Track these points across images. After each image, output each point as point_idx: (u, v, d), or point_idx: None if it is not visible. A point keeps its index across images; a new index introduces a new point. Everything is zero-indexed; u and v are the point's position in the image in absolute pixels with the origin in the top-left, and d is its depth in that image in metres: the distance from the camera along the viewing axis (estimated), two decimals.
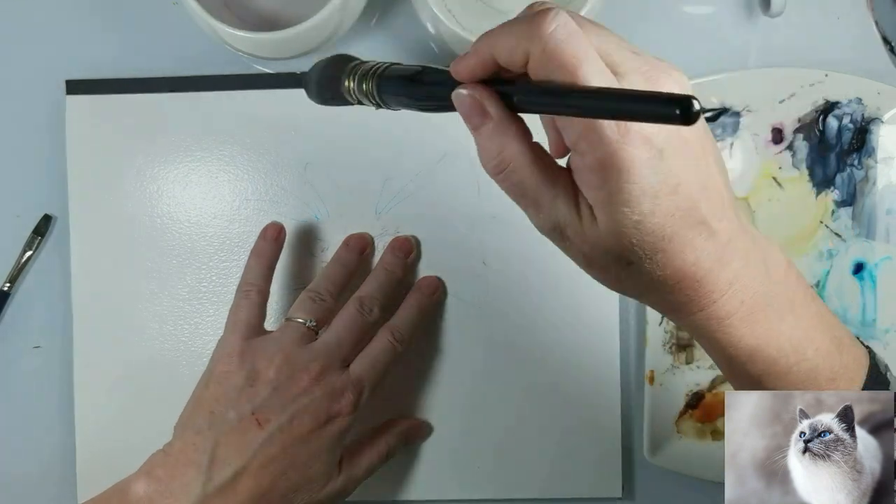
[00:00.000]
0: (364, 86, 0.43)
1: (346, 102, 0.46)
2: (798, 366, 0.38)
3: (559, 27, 0.33)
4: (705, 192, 0.35)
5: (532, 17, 0.34)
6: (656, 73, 0.35)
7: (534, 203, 0.38)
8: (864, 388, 0.39)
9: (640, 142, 0.34)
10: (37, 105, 0.61)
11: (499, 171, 0.38)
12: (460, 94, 0.37)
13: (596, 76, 0.33)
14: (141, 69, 0.61)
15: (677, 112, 0.29)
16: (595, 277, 0.39)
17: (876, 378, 0.40)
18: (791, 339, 0.38)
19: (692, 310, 0.37)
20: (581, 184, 0.36)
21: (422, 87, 0.41)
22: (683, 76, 0.36)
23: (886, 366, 0.41)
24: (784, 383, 0.39)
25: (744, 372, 0.39)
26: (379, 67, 0.43)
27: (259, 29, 0.55)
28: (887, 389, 0.40)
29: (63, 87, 0.60)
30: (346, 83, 0.44)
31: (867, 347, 0.41)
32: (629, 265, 0.36)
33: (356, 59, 0.45)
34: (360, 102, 0.45)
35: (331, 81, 0.45)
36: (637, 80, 0.34)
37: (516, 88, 0.36)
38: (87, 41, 0.61)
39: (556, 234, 0.38)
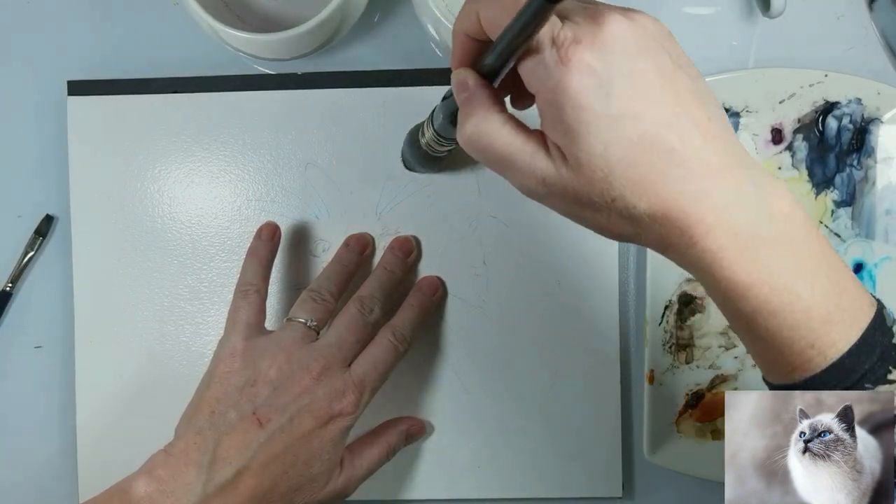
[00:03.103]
0: (428, 131, 0.52)
1: (436, 158, 0.55)
2: (791, 305, 0.38)
3: None
4: (676, 119, 0.36)
5: None
6: (599, 9, 0.37)
7: (512, 165, 0.39)
8: (864, 335, 0.38)
9: (583, 70, 0.36)
10: (38, 106, 0.61)
11: (474, 140, 0.40)
12: (453, 77, 0.41)
13: None
14: (142, 70, 0.61)
15: None
16: (592, 226, 0.40)
17: (880, 327, 0.39)
18: (786, 277, 0.38)
19: (685, 244, 0.37)
20: (546, 129, 0.38)
21: (448, 100, 0.47)
22: (633, 11, 0.37)
23: (895, 320, 0.40)
24: (776, 321, 0.38)
25: (737, 310, 0.39)
26: (433, 111, 0.50)
27: (260, 30, 0.55)
28: (891, 342, 0.39)
29: (64, 87, 0.61)
30: (422, 140, 0.53)
31: (877, 299, 0.40)
32: (613, 201, 0.37)
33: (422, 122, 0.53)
34: (438, 152, 0.53)
35: (417, 150, 0.55)
36: (580, 18, 0.37)
37: (481, 58, 0.40)
38: (88, 42, 0.62)
39: (540, 188, 0.39)
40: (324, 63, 0.61)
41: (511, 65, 0.38)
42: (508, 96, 0.43)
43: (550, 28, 0.36)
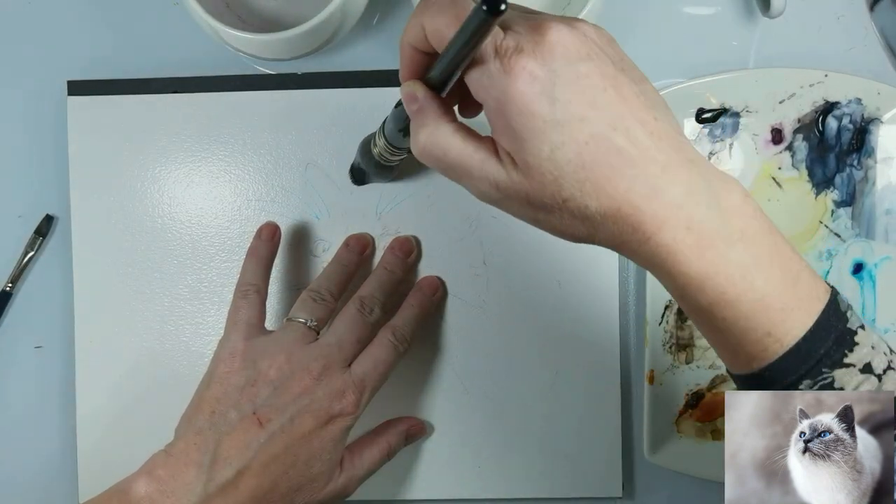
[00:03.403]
0: (380, 141, 0.52)
1: (386, 170, 0.56)
2: (746, 295, 0.39)
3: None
4: (621, 120, 0.37)
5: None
6: (540, 19, 0.38)
7: (466, 172, 0.40)
8: (818, 320, 0.39)
9: (526, 77, 0.37)
10: (38, 106, 0.61)
11: (427, 150, 0.41)
12: (402, 90, 0.42)
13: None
14: (142, 70, 0.61)
15: (484, 8, 0.34)
16: (547, 228, 0.41)
17: (834, 312, 0.40)
18: (740, 267, 0.38)
19: (638, 240, 0.38)
20: (496, 136, 0.39)
21: (398, 110, 0.48)
22: (574, 20, 0.39)
23: (850, 305, 0.41)
24: (733, 311, 0.39)
25: (695, 302, 0.39)
26: (384, 121, 0.51)
27: (260, 30, 0.55)
28: (845, 326, 0.39)
29: (65, 87, 0.61)
30: (374, 150, 0.54)
31: (831, 286, 0.41)
32: (565, 202, 0.38)
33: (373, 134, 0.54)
34: (390, 161, 0.54)
35: (370, 160, 0.55)
36: (522, 28, 0.38)
37: (429, 69, 0.41)
38: (88, 42, 0.62)
39: (494, 193, 0.40)
40: (324, 63, 0.61)
41: (458, 75, 0.39)
42: (457, 105, 0.44)
43: (493, 38, 0.37)
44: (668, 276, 0.39)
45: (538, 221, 0.41)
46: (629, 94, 0.38)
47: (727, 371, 0.43)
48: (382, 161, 0.54)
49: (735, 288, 0.39)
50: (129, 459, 0.50)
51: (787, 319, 0.39)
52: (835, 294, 0.41)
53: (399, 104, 0.48)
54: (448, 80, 0.40)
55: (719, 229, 0.38)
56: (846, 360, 0.39)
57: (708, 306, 0.39)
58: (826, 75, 0.58)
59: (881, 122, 0.59)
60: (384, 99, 0.59)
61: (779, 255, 0.40)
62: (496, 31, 0.38)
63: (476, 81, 0.39)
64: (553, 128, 0.37)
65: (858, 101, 0.59)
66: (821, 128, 0.59)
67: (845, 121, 0.59)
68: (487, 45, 0.37)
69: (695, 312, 0.40)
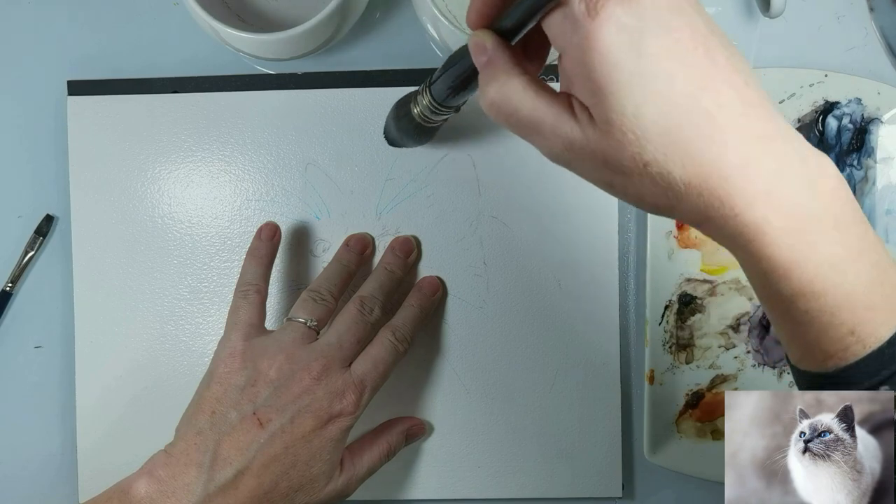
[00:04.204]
0: (424, 100, 0.49)
1: (430, 129, 0.52)
2: (836, 288, 0.36)
3: None
4: (712, 83, 0.34)
5: None
6: None
7: (537, 130, 0.38)
8: None
9: (613, 25, 0.34)
10: (38, 106, 0.61)
11: (498, 106, 0.38)
12: (469, 39, 0.39)
13: None
14: (142, 70, 0.61)
15: None
16: (622, 194, 0.37)
17: None
18: (832, 258, 0.35)
19: (725, 216, 0.35)
20: (573, 89, 0.36)
21: (455, 66, 0.44)
22: None
23: None
24: (817, 305, 0.36)
25: (777, 291, 0.36)
26: (428, 79, 0.48)
27: (260, 30, 0.55)
28: None
29: (65, 87, 0.61)
30: (415, 110, 0.50)
31: None
32: (646, 166, 0.35)
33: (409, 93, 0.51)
34: (432, 122, 0.51)
35: (408, 122, 0.51)
36: None
37: (501, 16, 0.39)
38: (88, 42, 0.62)
39: (567, 153, 0.37)
40: (324, 63, 0.61)
41: (535, 21, 0.37)
42: None
43: None
44: (753, 259, 0.36)
45: (613, 186, 0.37)
46: (720, 56, 0.35)
47: (791, 366, 0.40)
48: (424, 122, 0.51)
49: (823, 280, 0.35)
50: (129, 459, 0.50)
51: (874, 318, 0.36)
52: None
53: (454, 59, 0.44)
54: (523, 27, 0.37)
55: (813, 213, 0.35)
56: None
57: (791, 296, 0.36)
58: (826, 75, 0.58)
59: (881, 122, 0.59)
60: (384, 99, 0.59)
61: (869, 249, 0.37)
62: None
63: (556, 26, 0.36)
64: (639, 82, 0.34)
65: (858, 101, 0.59)
66: (821, 128, 0.59)
67: (845, 121, 0.59)
68: None
69: (774, 301, 0.37)
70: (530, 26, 0.37)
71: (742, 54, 0.36)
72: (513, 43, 0.39)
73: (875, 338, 0.36)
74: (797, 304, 0.36)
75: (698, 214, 0.36)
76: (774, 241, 0.35)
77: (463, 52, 0.43)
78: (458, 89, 0.46)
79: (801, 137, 0.36)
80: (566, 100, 0.37)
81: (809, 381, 0.39)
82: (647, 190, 0.36)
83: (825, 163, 0.36)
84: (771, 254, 0.35)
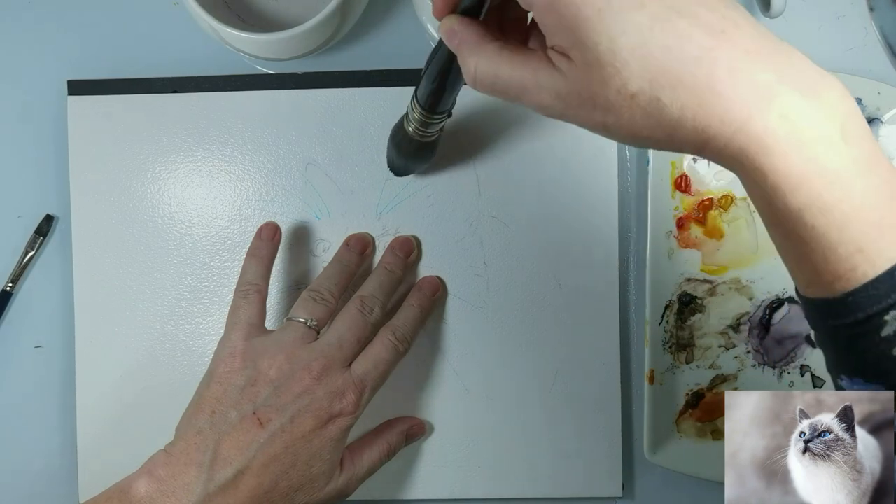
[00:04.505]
0: (414, 114, 0.50)
1: (429, 144, 0.53)
2: (843, 203, 0.34)
3: None
4: (685, 5, 0.34)
5: None
6: None
7: (522, 89, 0.38)
8: None
9: None
10: (39, 106, 0.61)
11: (480, 78, 0.39)
12: (440, 28, 0.41)
13: None
14: (142, 70, 0.61)
15: None
16: (619, 135, 0.37)
17: None
18: (840, 169, 0.34)
19: (726, 134, 0.34)
20: (549, 37, 0.36)
21: (431, 65, 0.46)
22: None
23: None
24: (826, 220, 0.34)
25: (784, 206, 0.35)
26: (413, 93, 0.49)
27: (260, 29, 0.55)
28: None
29: (65, 87, 0.61)
30: (409, 128, 0.51)
31: None
32: (633, 97, 0.34)
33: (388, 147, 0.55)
34: (429, 134, 0.51)
35: (408, 143, 0.52)
36: None
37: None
38: (88, 42, 0.62)
39: (556, 103, 0.37)
40: (324, 63, 0.61)
41: None
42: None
43: None
44: (758, 174, 0.35)
45: (608, 128, 0.36)
46: None
47: (797, 294, 0.38)
48: (419, 137, 0.52)
49: (831, 193, 0.34)
50: (129, 459, 0.50)
51: (883, 237, 0.34)
52: None
53: (426, 66, 0.46)
54: (480, 5, 0.39)
55: (819, 123, 0.34)
56: None
57: (798, 211, 0.35)
58: None
59: (881, 121, 0.59)
60: (384, 99, 0.60)
61: (878, 164, 0.35)
62: None
63: None
64: (609, 15, 0.34)
65: (859, 100, 0.58)
66: None
67: None
68: None
69: (781, 217, 0.36)
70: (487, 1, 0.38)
71: None
72: (481, 17, 0.40)
73: (885, 258, 0.35)
74: (805, 220, 0.35)
75: (697, 138, 0.35)
76: (779, 152, 0.34)
77: (435, 49, 0.45)
78: (441, 89, 0.47)
79: (799, 53, 0.35)
80: (542, 54, 0.37)
81: (817, 309, 0.38)
82: (641, 123, 0.35)
83: (827, 76, 0.35)
84: (775, 166, 0.34)
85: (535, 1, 0.36)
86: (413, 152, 0.54)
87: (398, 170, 0.58)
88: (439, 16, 0.41)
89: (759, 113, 0.34)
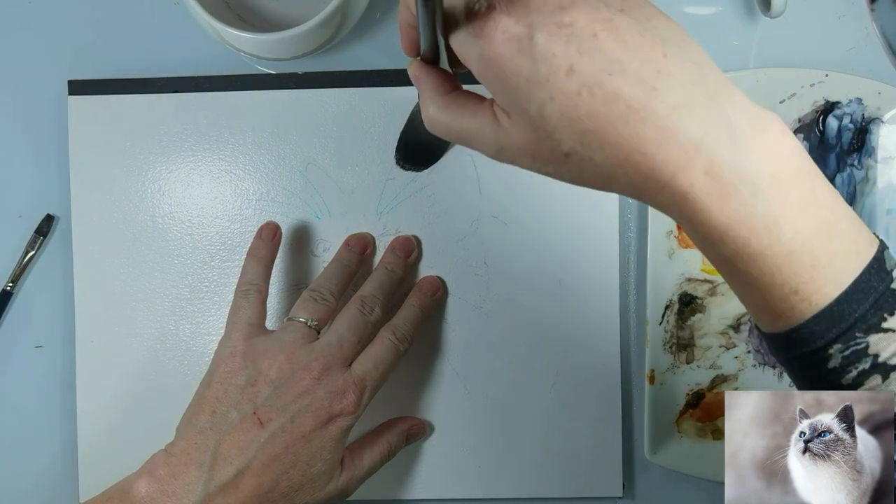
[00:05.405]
0: None
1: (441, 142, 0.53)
2: (771, 248, 0.35)
3: None
4: (618, 64, 0.34)
5: None
6: None
7: (469, 139, 0.40)
8: (856, 280, 0.36)
9: (499, 36, 0.35)
10: (39, 105, 0.61)
11: (431, 125, 0.41)
12: (409, 73, 0.42)
13: None
14: (143, 70, 0.61)
15: None
16: (565, 180, 0.38)
17: (876, 272, 0.36)
18: (766, 217, 0.35)
19: (654, 188, 0.35)
20: (490, 92, 0.38)
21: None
22: None
23: None
24: (757, 266, 0.36)
25: (717, 253, 0.36)
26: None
27: (260, 29, 0.55)
28: (888, 287, 0.36)
29: (65, 87, 0.61)
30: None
31: (880, 240, 0.37)
32: (567, 157, 0.36)
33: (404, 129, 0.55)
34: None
35: (418, 135, 0.54)
36: None
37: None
38: (89, 42, 0.62)
39: (500, 154, 0.39)
40: (324, 63, 0.61)
41: (441, 44, 0.39)
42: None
43: (464, 1, 0.36)
44: (688, 225, 0.36)
45: (551, 174, 0.38)
46: (629, 34, 0.35)
47: (755, 326, 0.40)
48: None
49: (759, 240, 0.35)
50: (129, 459, 0.50)
51: (818, 277, 0.36)
52: (882, 249, 0.37)
53: None
54: (434, 51, 0.39)
55: (744, 175, 0.35)
56: (885, 325, 0.36)
57: (729, 258, 0.36)
58: (826, 75, 0.58)
59: (882, 121, 0.59)
60: (384, 99, 0.60)
61: (814, 203, 0.36)
62: None
63: (457, 48, 0.38)
64: (537, 84, 0.35)
65: (859, 100, 0.58)
66: (821, 127, 0.59)
67: (846, 121, 0.59)
68: (459, 8, 0.36)
69: (717, 262, 0.37)
70: (442, 49, 0.39)
71: (672, 23, 0.36)
72: (440, 65, 0.41)
73: (821, 295, 0.36)
74: (737, 266, 0.36)
75: (631, 190, 0.36)
76: (704, 206, 0.35)
77: None
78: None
79: (737, 97, 0.36)
80: (489, 107, 0.39)
81: (771, 342, 0.39)
82: (578, 175, 0.37)
83: (765, 118, 0.36)
84: (702, 220, 0.35)
85: (469, 65, 0.38)
86: (433, 143, 0.54)
87: (413, 156, 0.57)
88: (407, 54, 0.43)
89: (683, 171, 0.35)
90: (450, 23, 0.37)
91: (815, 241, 0.36)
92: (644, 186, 0.36)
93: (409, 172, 0.60)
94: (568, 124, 0.35)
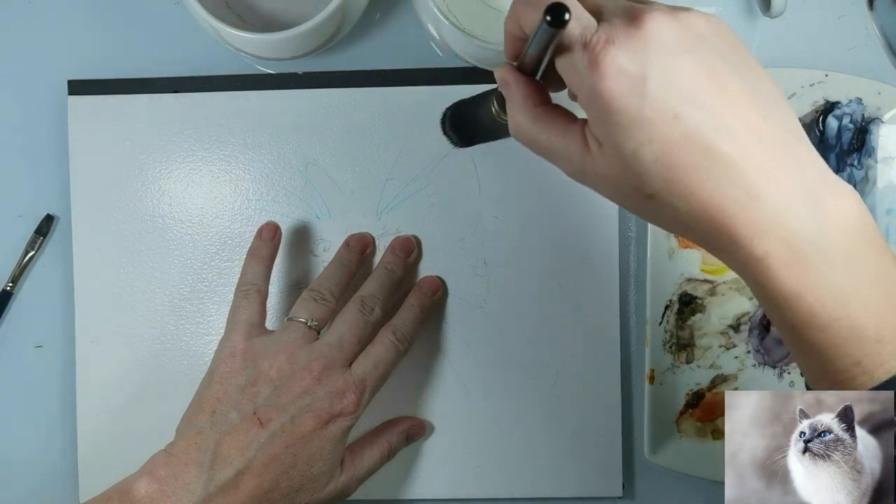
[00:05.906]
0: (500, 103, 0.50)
1: (493, 131, 0.52)
2: (839, 322, 0.36)
3: None
4: (719, 120, 0.35)
5: None
6: (640, 7, 0.37)
7: (552, 156, 0.41)
8: None
9: (613, 72, 0.35)
10: (39, 105, 0.61)
11: (516, 134, 0.42)
12: (496, 74, 0.43)
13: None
14: (143, 69, 0.61)
15: (548, 19, 0.34)
16: (643, 218, 0.40)
17: None
18: (836, 291, 0.36)
19: (730, 248, 0.37)
20: (589, 121, 0.38)
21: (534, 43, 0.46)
22: (681, 10, 0.37)
23: None
24: (822, 336, 0.37)
25: (784, 320, 0.37)
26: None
27: (260, 29, 0.55)
28: None
29: (65, 87, 0.61)
30: (495, 109, 0.51)
31: None
32: (650, 198, 0.37)
33: (465, 99, 0.53)
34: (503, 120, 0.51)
35: (476, 114, 0.53)
36: (618, 19, 0.36)
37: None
38: (88, 42, 0.61)
39: (579, 177, 0.40)
40: (324, 63, 0.61)
41: (545, 63, 0.39)
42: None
43: (583, 29, 0.36)
44: (758, 289, 0.37)
45: (628, 208, 0.40)
46: (735, 90, 0.36)
47: (807, 388, 0.40)
48: (499, 118, 0.51)
49: (827, 313, 0.36)
50: (129, 459, 0.50)
51: (882, 351, 0.37)
52: None
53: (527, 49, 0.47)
54: (537, 66, 0.40)
55: (820, 247, 0.36)
56: None
57: (797, 326, 0.37)
58: (826, 75, 0.58)
59: (882, 121, 0.59)
60: (384, 99, 0.60)
61: (884, 280, 0.37)
62: (588, 20, 0.36)
63: (566, 70, 0.38)
64: (640, 126, 0.35)
65: (859, 100, 0.58)
66: (821, 127, 0.59)
67: (846, 121, 0.59)
68: (575, 36, 0.36)
69: (782, 328, 0.38)
70: (543, 66, 0.39)
71: (773, 85, 0.37)
72: (537, 76, 0.41)
73: (884, 370, 0.37)
74: (803, 335, 0.37)
75: (706, 245, 0.38)
76: (778, 275, 0.36)
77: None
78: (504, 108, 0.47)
79: (821, 168, 0.37)
80: (580, 130, 0.39)
81: None
82: (656, 216, 0.38)
83: (844, 192, 0.37)
84: (774, 287, 0.36)
85: (576, 92, 0.38)
86: (488, 123, 0.53)
87: (463, 128, 0.55)
88: (508, 57, 0.42)
89: (760, 238, 0.36)
90: (562, 46, 0.37)
91: (883, 317, 0.37)
92: (719, 243, 0.37)
93: (410, 172, 0.60)
94: (660, 169, 0.36)
